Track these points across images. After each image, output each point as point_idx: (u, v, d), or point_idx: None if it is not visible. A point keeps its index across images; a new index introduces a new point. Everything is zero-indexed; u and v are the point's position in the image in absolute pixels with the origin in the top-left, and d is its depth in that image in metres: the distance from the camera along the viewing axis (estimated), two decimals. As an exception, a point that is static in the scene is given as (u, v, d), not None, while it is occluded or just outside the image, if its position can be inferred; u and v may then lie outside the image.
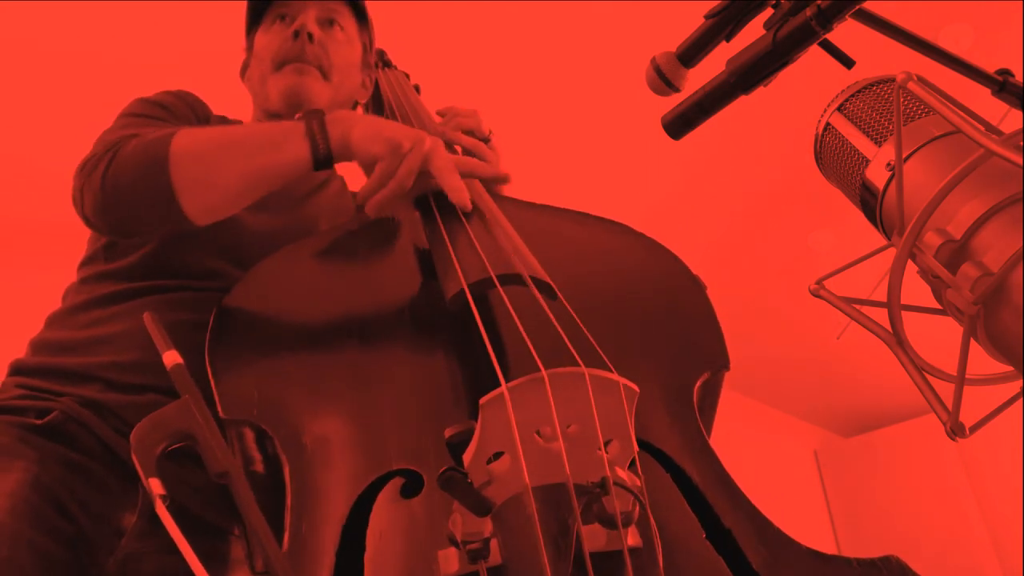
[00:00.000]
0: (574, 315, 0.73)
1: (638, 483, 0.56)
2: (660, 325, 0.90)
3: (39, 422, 0.91)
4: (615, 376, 0.58)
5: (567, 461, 0.54)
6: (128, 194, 0.90)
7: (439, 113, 1.30)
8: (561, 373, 0.56)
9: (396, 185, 0.85)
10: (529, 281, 0.74)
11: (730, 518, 0.66)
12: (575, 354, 0.66)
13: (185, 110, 1.14)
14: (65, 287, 1.12)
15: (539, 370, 0.56)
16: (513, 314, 0.68)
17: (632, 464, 0.59)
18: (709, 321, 0.91)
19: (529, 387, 0.55)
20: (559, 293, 0.76)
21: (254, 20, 1.28)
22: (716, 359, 0.86)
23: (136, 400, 0.95)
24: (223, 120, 1.22)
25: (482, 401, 0.54)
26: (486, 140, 1.23)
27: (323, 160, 0.87)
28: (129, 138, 0.94)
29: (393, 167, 0.84)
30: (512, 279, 0.74)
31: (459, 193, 0.86)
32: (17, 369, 1.01)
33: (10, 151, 2.68)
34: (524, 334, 0.65)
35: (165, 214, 0.90)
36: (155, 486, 0.45)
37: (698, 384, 0.82)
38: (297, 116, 0.89)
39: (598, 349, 0.69)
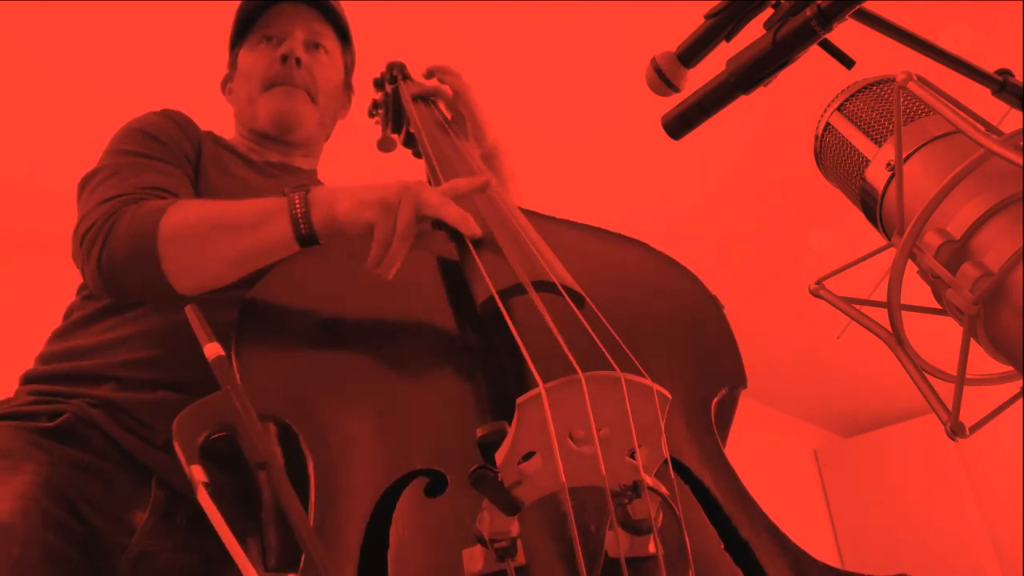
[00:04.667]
0: (605, 323, 0.74)
1: (664, 490, 0.57)
2: (680, 341, 0.91)
3: (50, 425, 0.92)
4: (649, 382, 0.58)
5: (602, 464, 0.55)
6: (123, 275, 0.94)
7: (424, 76, 1.35)
8: (598, 376, 0.56)
9: (399, 243, 0.82)
10: (561, 289, 0.75)
11: (748, 530, 0.67)
12: (610, 359, 0.66)
13: (176, 133, 1.15)
14: (67, 303, 1.13)
15: (573, 373, 0.56)
16: (548, 319, 0.68)
17: (657, 473, 0.59)
18: (727, 339, 0.93)
19: (566, 388, 0.55)
20: (589, 301, 0.76)
21: (238, 38, 1.30)
22: (733, 376, 0.88)
23: (148, 398, 0.97)
24: (212, 137, 1.23)
25: (519, 400, 0.54)
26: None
27: (306, 240, 0.86)
28: (122, 208, 0.95)
29: (390, 226, 0.82)
30: (544, 286, 0.75)
31: (465, 223, 0.85)
32: (28, 378, 1.03)
33: (11, 164, 2.68)
34: (560, 338, 0.66)
35: (159, 293, 0.93)
36: (197, 473, 0.46)
37: (715, 400, 0.83)
38: (286, 191, 0.88)
39: (630, 355, 0.69)
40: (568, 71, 2.73)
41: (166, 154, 1.11)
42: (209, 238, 0.91)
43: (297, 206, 0.86)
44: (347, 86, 1.39)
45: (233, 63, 1.32)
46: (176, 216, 0.92)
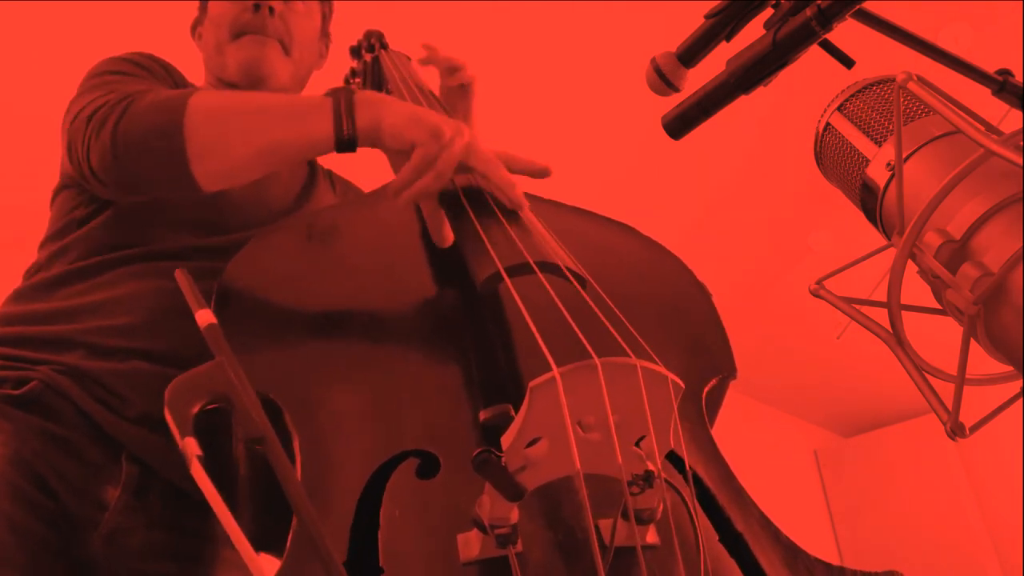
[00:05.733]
0: (613, 307, 0.72)
1: (673, 481, 0.56)
2: (671, 328, 0.89)
3: (16, 392, 0.88)
4: (664, 370, 0.57)
5: (619, 452, 0.54)
6: (139, 152, 0.87)
7: (421, 62, 1.27)
8: (614, 362, 0.55)
9: (435, 176, 0.78)
10: (566, 271, 0.73)
11: (742, 523, 0.67)
12: (624, 345, 0.65)
13: (160, 71, 1.10)
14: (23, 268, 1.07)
15: (586, 358, 0.55)
16: (558, 301, 0.67)
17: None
18: (716, 328, 0.91)
19: (580, 373, 0.53)
20: (595, 285, 0.75)
21: None
22: (724, 366, 0.87)
23: (119, 367, 0.92)
24: (196, 89, 1.18)
25: (532, 384, 0.52)
26: (469, 85, 1.24)
27: (346, 142, 0.82)
28: (141, 93, 0.90)
29: (433, 155, 0.78)
30: (549, 267, 0.73)
31: (512, 190, 0.81)
32: None
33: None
34: (572, 321, 0.64)
35: (175, 176, 0.86)
36: (191, 446, 0.43)
37: (706, 390, 0.82)
38: (325, 93, 0.83)
39: (642, 342, 0.68)
40: (568, 70, 2.73)
41: (152, 80, 1.06)
42: (243, 122, 0.85)
43: (342, 105, 0.82)
44: (324, 35, 1.32)
45: (203, 7, 1.25)
46: (207, 97, 0.87)
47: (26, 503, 0.83)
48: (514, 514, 0.53)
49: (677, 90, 0.73)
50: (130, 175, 0.90)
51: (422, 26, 2.43)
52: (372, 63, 1.33)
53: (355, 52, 1.40)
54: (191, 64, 1.23)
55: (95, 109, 0.90)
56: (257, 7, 1.15)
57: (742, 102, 0.68)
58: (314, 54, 1.28)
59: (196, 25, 1.28)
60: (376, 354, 0.76)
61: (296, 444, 0.67)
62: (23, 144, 2.64)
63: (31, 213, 2.77)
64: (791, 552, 0.67)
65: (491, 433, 0.55)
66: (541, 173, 0.90)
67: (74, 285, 1.00)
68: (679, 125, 0.71)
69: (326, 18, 1.32)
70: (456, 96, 1.26)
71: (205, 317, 0.51)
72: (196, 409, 0.46)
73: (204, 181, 0.87)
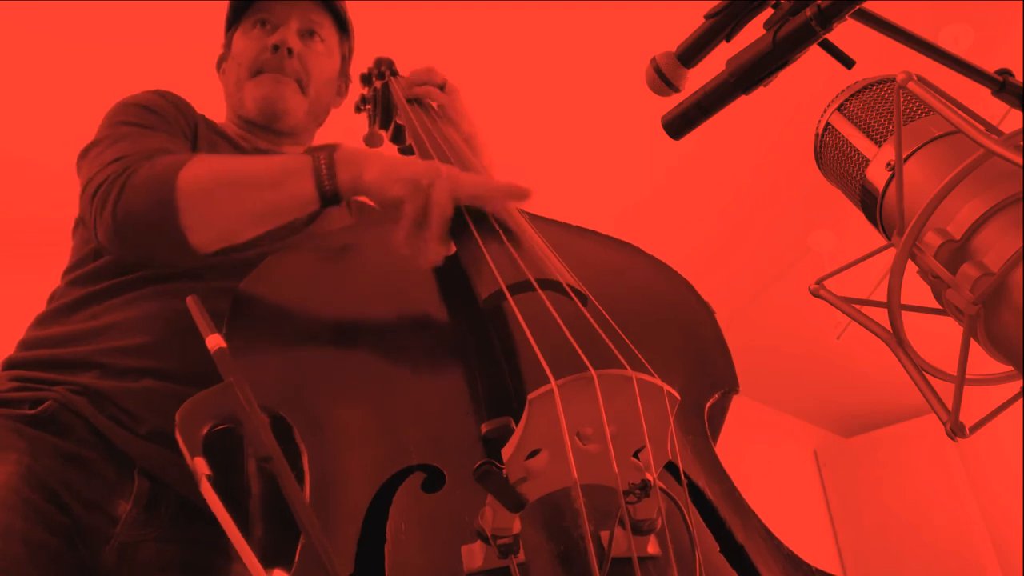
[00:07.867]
0: (612, 322, 0.74)
1: (670, 491, 0.57)
2: (675, 345, 0.91)
3: (32, 412, 0.91)
4: (660, 381, 0.58)
5: (615, 462, 0.55)
6: (139, 228, 0.92)
7: (409, 99, 1.29)
8: (610, 374, 0.56)
9: (439, 226, 0.80)
10: (567, 288, 0.74)
11: (742, 534, 0.68)
12: (621, 358, 0.66)
13: (172, 111, 1.14)
14: (50, 290, 1.12)
15: (583, 371, 0.56)
16: (558, 317, 0.68)
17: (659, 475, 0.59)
18: (719, 344, 0.93)
19: (577, 385, 0.54)
20: (595, 301, 0.76)
21: (234, 19, 1.28)
22: (726, 381, 0.88)
23: (132, 386, 0.95)
24: (206, 120, 1.22)
25: (531, 396, 0.53)
26: (441, 86, 1.26)
27: (329, 199, 0.86)
28: (136, 163, 0.94)
29: (421, 205, 0.80)
30: (550, 284, 0.74)
31: (507, 212, 0.83)
32: (10, 364, 1.01)
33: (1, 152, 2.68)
34: (570, 336, 0.65)
35: (175, 246, 0.92)
36: (200, 466, 0.45)
37: (708, 404, 0.84)
38: (306, 149, 0.87)
39: (638, 355, 0.69)
40: (567, 72, 2.73)
41: (165, 127, 1.10)
42: (229, 193, 0.90)
43: (323, 166, 0.86)
44: (343, 76, 1.36)
45: (228, 44, 1.29)
46: (196, 169, 0.91)
47: (39, 517, 0.85)
48: (516, 525, 0.54)
49: (677, 90, 0.73)
50: (134, 246, 0.96)
51: (429, 46, 2.44)
52: (382, 90, 1.37)
53: (365, 79, 1.44)
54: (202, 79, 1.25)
55: (98, 185, 0.95)
56: (276, 48, 1.20)
57: (742, 103, 0.68)
58: (332, 92, 1.33)
59: (221, 61, 1.33)
60: (383, 370, 0.78)
61: (305, 460, 0.69)
62: (25, 145, 2.65)
63: (30, 213, 2.78)
64: (793, 563, 0.67)
65: (493, 446, 0.56)
66: (523, 195, 0.88)
67: (90, 308, 1.03)
68: (679, 125, 0.71)
69: (345, 59, 1.36)
70: (444, 100, 1.28)
71: (215, 342, 0.53)
72: (206, 430, 0.48)
73: (202, 248, 0.93)
